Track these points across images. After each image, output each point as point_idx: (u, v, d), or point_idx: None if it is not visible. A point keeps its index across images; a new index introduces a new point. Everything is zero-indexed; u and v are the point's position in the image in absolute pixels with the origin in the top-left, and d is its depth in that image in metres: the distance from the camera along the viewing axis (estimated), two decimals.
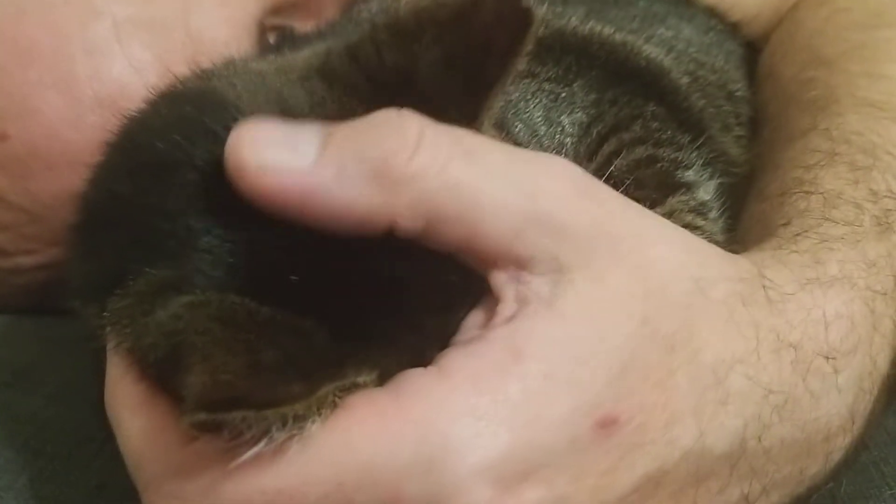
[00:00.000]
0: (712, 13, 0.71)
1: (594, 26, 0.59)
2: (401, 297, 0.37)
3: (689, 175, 0.54)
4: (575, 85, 0.55)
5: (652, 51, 0.59)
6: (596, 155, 0.53)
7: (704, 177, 0.54)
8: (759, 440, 0.39)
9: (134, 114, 0.43)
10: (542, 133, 0.53)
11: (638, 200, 0.47)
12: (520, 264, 0.37)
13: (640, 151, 0.53)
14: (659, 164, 0.52)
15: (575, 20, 0.59)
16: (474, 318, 0.38)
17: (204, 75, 0.44)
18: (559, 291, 0.37)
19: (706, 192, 0.54)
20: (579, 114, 0.54)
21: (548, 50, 0.56)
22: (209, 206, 0.37)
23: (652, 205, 0.50)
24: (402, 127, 0.36)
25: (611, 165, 0.52)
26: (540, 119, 0.53)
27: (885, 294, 0.44)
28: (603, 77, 0.56)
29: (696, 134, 0.56)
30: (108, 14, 0.55)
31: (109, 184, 0.42)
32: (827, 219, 0.46)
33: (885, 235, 0.46)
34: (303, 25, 0.62)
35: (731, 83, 0.66)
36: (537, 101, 0.53)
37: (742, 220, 0.54)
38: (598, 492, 0.36)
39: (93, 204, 0.42)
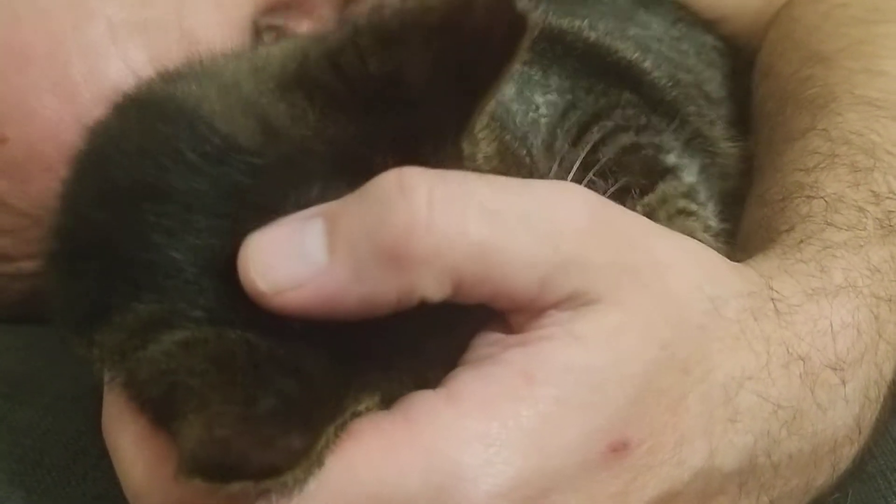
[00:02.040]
0: (679, 5, 0.70)
1: (570, 21, 0.59)
2: (400, 316, 0.35)
3: (672, 158, 0.54)
4: (549, 70, 0.55)
5: (627, 50, 0.59)
6: (579, 142, 0.53)
7: (686, 159, 0.54)
8: (769, 456, 0.39)
9: (101, 125, 0.41)
10: (514, 109, 0.52)
11: (628, 188, 0.46)
12: (546, 307, 0.36)
13: (624, 139, 0.52)
14: (643, 151, 0.52)
15: (550, 14, 0.59)
16: (486, 336, 0.37)
17: (172, 77, 0.41)
18: (578, 318, 0.36)
19: (690, 174, 0.54)
20: (553, 96, 0.54)
21: None
22: (190, 237, 0.36)
23: (642, 191, 0.51)
24: (408, 198, 0.34)
25: (597, 153, 0.51)
26: (512, 96, 0.53)
27: (890, 300, 0.43)
28: (577, 66, 0.56)
29: (672, 118, 0.56)
30: (103, 16, 0.55)
31: (84, 209, 0.40)
32: (829, 224, 0.46)
33: (889, 239, 0.46)
34: (297, 25, 0.62)
35: (706, 83, 0.66)
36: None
37: (743, 224, 0.54)
38: None
39: (68, 231, 0.41)
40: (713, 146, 0.59)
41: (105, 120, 0.41)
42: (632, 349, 0.36)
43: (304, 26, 0.62)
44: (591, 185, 0.49)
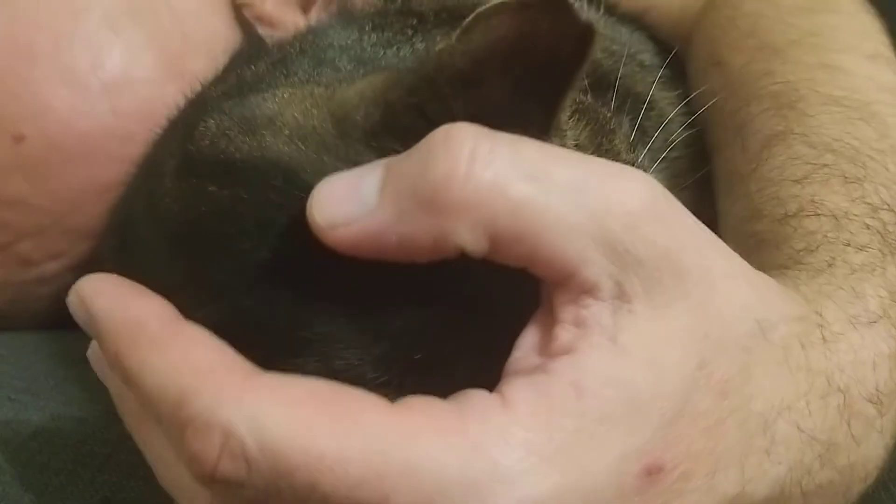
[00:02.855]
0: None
1: None
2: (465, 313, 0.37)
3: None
4: None
5: None
6: None
7: (621, 123, 0.55)
8: (801, 486, 0.38)
9: (200, 194, 0.40)
10: None
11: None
12: (583, 288, 0.35)
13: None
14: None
15: None
16: (530, 337, 0.37)
17: (253, 132, 0.41)
18: (621, 323, 0.35)
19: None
20: None
21: (463, 20, 0.57)
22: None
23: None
24: (452, 146, 0.34)
25: None
26: None
27: None
28: None
29: (606, 88, 0.56)
30: (98, 7, 0.57)
31: (232, 295, 0.39)
32: (847, 245, 0.45)
33: (894, 258, 0.45)
34: (262, 3, 0.64)
35: (639, 54, 0.66)
36: None
37: (729, 234, 0.53)
38: None
39: (222, 321, 0.39)
40: (647, 103, 0.60)
41: (200, 188, 0.40)
42: (669, 364, 0.36)
43: (268, 4, 0.63)
44: None
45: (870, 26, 0.60)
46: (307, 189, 0.37)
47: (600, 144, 0.48)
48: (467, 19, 0.36)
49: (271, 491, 0.33)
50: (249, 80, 0.50)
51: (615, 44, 0.64)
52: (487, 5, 0.36)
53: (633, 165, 0.49)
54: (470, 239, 0.34)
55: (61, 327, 0.61)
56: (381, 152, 0.38)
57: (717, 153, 0.60)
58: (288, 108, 0.41)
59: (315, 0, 0.65)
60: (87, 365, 0.56)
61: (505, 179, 0.34)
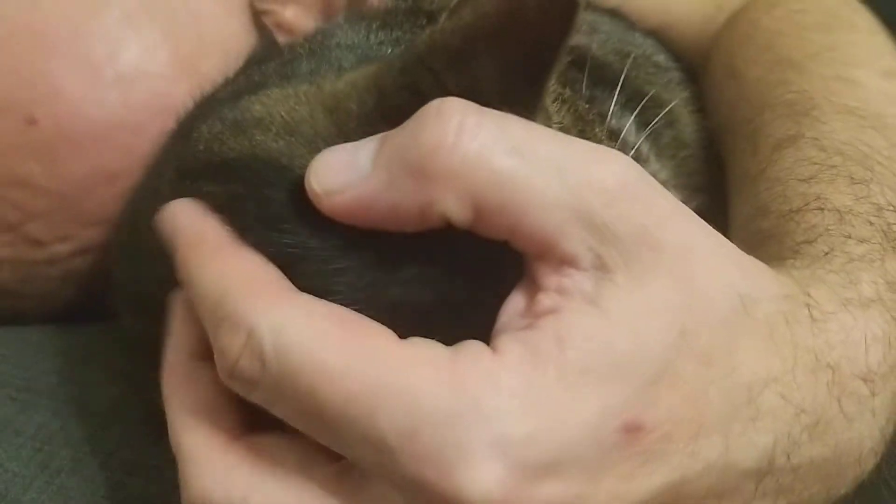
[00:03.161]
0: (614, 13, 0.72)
1: None
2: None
3: (613, 122, 0.55)
4: None
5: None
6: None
7: (624, 120, 0.56)
8: (788, 458, 0.39)
9: (199, 193, 0.42)
10: None
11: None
12: (563, 259, 0.37)
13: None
14: (595, 123, 0.53)
15: None
16: (514, 303, 0.38)
17: (247, 129, 0.42)
18: (602, 289, 0.37)
19: (630, 133, 0.55)
20: None
21: None
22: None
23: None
24: (441, 118, 0.36)
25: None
26: None
27: None
28: None
29: (613, 84, 0.57)
30: (116, 3, 0.59)
31: None
32: (848, 237, 0.46)
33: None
34: (282, 9, 0.65)
35: (654, 55, 0.67)
36: None
37: (737, 232, 0.54)
38: (614, 496, 0.36)
39: None
40: (656, 101, 0.61)
41: (196, 189, 0.42)
42: (651, 331, 0.37)
43: (289, 11, 0.65)
44: None
45: (885, 45, 0.62)
46: (300, 179, 0.38)
47: (582, 131, 0.49)
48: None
49: (278, 392, 0.36)
50: (253, 83, 0.50)
51: (629, 45, 0.65)
52: None
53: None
54: (455, 208, 0.36)
55: (66, 319, 0.61)
56: None
57: (729, 159, 0.61)
58: (275, 106, 0.43)
59: (336, 8, 0.65)
60: (89, 364, 0.57)
61: (490, 151, 0.36)
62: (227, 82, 0.56)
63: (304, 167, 0.39)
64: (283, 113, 0.42)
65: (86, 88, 0.57)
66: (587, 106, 0.53)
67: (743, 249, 0.50)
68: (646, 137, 0.57)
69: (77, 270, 0.61)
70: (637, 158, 0.52)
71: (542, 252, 0.37)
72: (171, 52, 0.59)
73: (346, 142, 0.39)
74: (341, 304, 0.37)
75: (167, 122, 0.57)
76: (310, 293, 0.38)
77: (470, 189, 0.36)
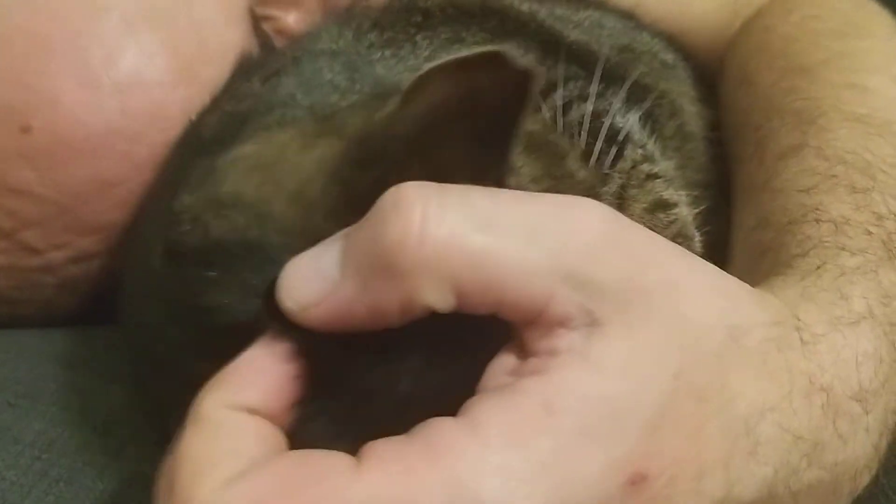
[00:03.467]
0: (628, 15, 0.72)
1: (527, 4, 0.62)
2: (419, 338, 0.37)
3: (619, 121, 0.55)
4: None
5: (574, 32, 0.62)
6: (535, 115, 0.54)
7: (630, 116, 0.56)
8: (788, 486, 0.39)
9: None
10: None
11: (594, 153, 0.49)
12: (554, 321, 0.36)
13: (576, 112, 0.54)
14: (599, 120, 0.53)
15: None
16: (502, 362, 0.37)
17: (226, 208, 0.42)
18: (593, 343, 0.36)
19: (635, 132, 0.55)
20: None
21: (471, 16, 0.58)
22: None
23: (611, 159, 0.52)
24: (402, 209, 0.35)
25: (560, 121, 0.53)
26: None
27: None
28: (529, 41, 0.58)
29: (615, 79, 0.57)
30: (116, 9, 0.58)
31: None
32: (842, 248, 0.45)
33: (894, 262, 0.45)
34: (285, 15, 0.65)
35: (661, 53, 0.67)
36: None
37: (739, 244, 0.54)
38: None
39: None
40: (667, 99, 0.61)
41: (186, 273, 0.42)
42: (646, 376, 0.36)
43: (291, 17, 0.65)
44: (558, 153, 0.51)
45: None
46: (278, 269, 0.37)
47: (552, 173, 0.48)
48: (409, 83, 0.37)
49: None
50: (231, 119, 0.50)
51: (635, 42, 0.65)
52: (425, 69, 0.37)
53: (590, 180, 0.50)
54: (435, 297, 0.35)
55: (65, 323, 0.61)
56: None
57: (737, 167, 0.60)
58: (244, 183, 0.42)
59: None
60: (88, 370, 0.57)
61: (461, 233, 0.35)
62: (216, 101, 0.56)
63: (279, 255, 0.38)
64: (252, 193, 0.41)
65: (82, 96, 0.56)
66: (560, 136, 0.52)
67: (744, 263, 0.51)
68: (650, 132, 0.57)
69: (74, 278, 0.60)
70: (644, 156, 0.53)
71: (532, 319, 0.36)
72: (170, 60, 0.59)
73: (314, 237, 0.38)
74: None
75: (165, 130, 0.57)
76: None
77: (447, 276, 0.35)
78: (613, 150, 0.52)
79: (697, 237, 0.53)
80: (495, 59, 0.36)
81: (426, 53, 0.55)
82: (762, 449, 0.38)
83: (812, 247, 0.46)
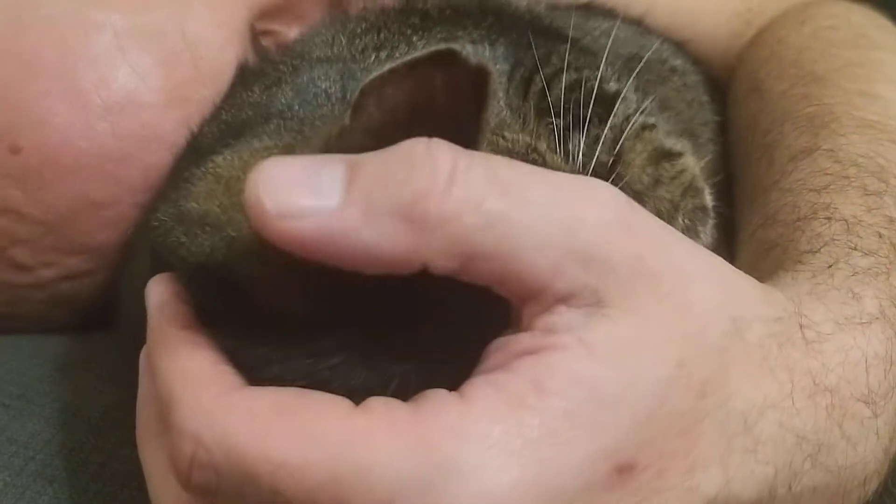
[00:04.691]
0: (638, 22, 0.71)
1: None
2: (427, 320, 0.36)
3: (613, 85, 0.54)
4: (496, 42, 0.56)
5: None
6: (528, 95, 0.53)
7: (623, 82, 0.55)
8: (790, 488, 0.38)
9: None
10: None
11: (587, 119, 0.49)
12: (558, 299, 0.35)
13: (567, 78, 0.53)
14: (588, 84, 0.53)
15: None
16: (498, 343, 0.36)
17: (194, 226, 0.41)
18: (593, 325, 0.35)
19: (630, 91, 0.54)
20: (501, 64, 0.55)
21: (467, 15, 0.58)
22: None
23: (600, 119, 0.51)
24: (432, 162, 0.34)
25: (546, 99, 0.52)
26: None
27: None
28: (521, 32, 0.58)
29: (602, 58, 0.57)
30: (109, 25, 0.57)
31: None
32: (854, 248, 0.45)
33: None
34: (288, 30, 0.64)
35: (671, 59, 0.67)
36: None
37: (745, 241, 0.53)
38: None
39: None
40: (664, 68, 0.61)
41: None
42: (645, 365, 0.35)
43: (293, 32, 0.63)
44: (551, 128, 0.50)
45: None
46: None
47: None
48: (356, 95, 0.36)
49: (241, 497, 0.35)
50: (228, 129, 0.50)
51: (644, 50, 0.64)
52: (373, 76, 0.35)
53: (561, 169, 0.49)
54: (441, 255, 0.34)
55: (57, 332, 0.61)
56: None
57: (743, 171, 0.60)
58: (211, 200, 0.41)
59: None
60: (83, 371, 0.56)
61: (481, 195, 0.34)
62: (215, 114, 0.55)
63: (248, 283, 0.37)
64: (216, 212, 0.40)
65: (73, 117, 0.56)
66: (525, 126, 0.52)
67: (749, 260, 0.50)
68: (636, 93, 0.56)
69: (65, 294, 0.60)
70: (637, 109, 0.52)
71: (533, 294, 0.35)
72: (164, 80, 0.57)
73: (276, 263, 0.36)
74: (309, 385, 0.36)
75: (156, 152, 0.56)
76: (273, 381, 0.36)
77: (460, 235, 0.34)
78: (602, 111, 0.52)
79: (708, 190, 0.52)
80: (447, 58, 0.35)
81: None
82: (762, 448, 0.37)
83: (823, 244, 0.45)
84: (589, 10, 0.69)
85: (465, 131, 0.36)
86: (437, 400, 0.35)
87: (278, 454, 0.34)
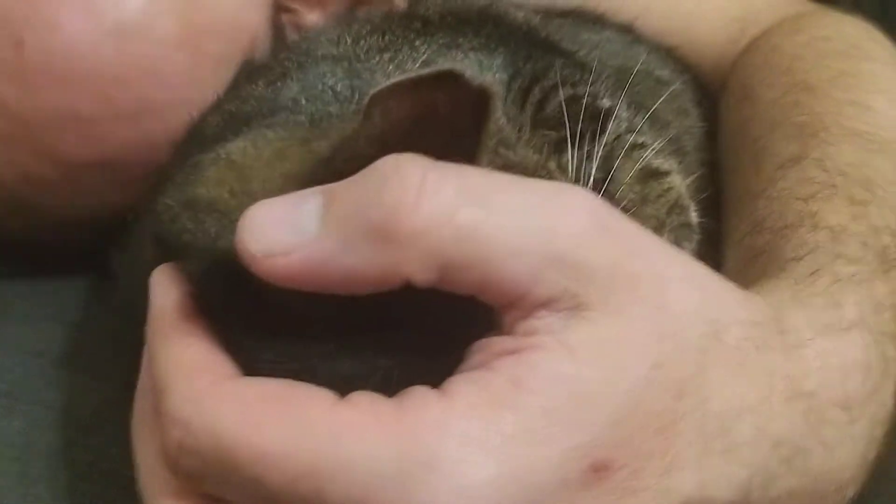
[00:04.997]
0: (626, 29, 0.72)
1: (509, 9, 0.64)
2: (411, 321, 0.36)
3: (606, 102, 0.55)
4: (495, 52, 0.57)
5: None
6: (525, 105, 0.54)
7: (616, 99, 0.56)
8: (765, 490, 0.38)
9: None
10: None
11: (579, 135, 0.50)
12: (538, 305, 0.36)
13: (563, 93, 0.54)
14: (583, 100, 0.54)
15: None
16: (482, 344, 0.37)
17: (200, 212, 0.41)
18: (573, 327, 0.35)
19: (623, 109, 0.55)
20: (500, 73, 0.56)
21: (467, 22, 0.59)
22: None
23: (593, 135, 0.52)
24: (401, 177, 0.34)
25: (544, 111, 0.53)
26: None
27: (892, 336, 0.43)
28: (519, 43, 0.59)
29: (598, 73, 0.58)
30: None
31: None
32: (838, 256, 0.45)
33: (890, 274, 0.45)
34: (309, 12, 0.64)
35: (657, 70, 0.68)
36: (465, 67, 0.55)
37: (731, 249, 0.54)
38: None
39: None
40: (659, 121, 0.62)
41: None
42: (623, 364, 0.36)
43: (312, 16, 0.64)
44: (545, 139, 0.52)
45: None
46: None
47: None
48: (366, 101, 0.36)
49: (226, 483, 0.36)
50: (233, 119, 0.50)
51: (631, 62, 0.65)
52: (380, 86, 0.36)
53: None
54: (420, 268, 0.34)
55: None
56: None
57: (731, 177, 0.60)
58: (220, 188, 0.42)
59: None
60: (71, 369, 0.55)
61: (454, 206, 0.35)
62: (217, 105, 0.55)
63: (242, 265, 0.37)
64: (225, 199, 0.41)
65: (83, 28, 0.56)
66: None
67: (736, 267, 0.50)
68: (628, 110, 0.57)
69: (23, 199, 0.60)
70: (628, 128, 0.53)
71: (514, 301, 0.36)
72: (180, 22, 0.58)
73: None
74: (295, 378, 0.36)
75: (155, 88, 0.57)
76: (264, 372, 0.37)
77: (435, 248, 0.34)
78: (595, 127, 0.53)
79: (693, 207, 0.53)
80: (450, 78, 0.35)
81: (424, 57, 0.55)
82: (738, 451, 0.37)
83: (808, 252, 0.46)
84: (580, 20, 0.70)
85: (466, 147, 0.37)
86: (420, 396, 0.35)
87: (261, 443, 0.34)
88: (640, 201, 0.51)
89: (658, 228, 0.51)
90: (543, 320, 0.36)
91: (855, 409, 0.40)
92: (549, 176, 0.47)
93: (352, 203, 0.35)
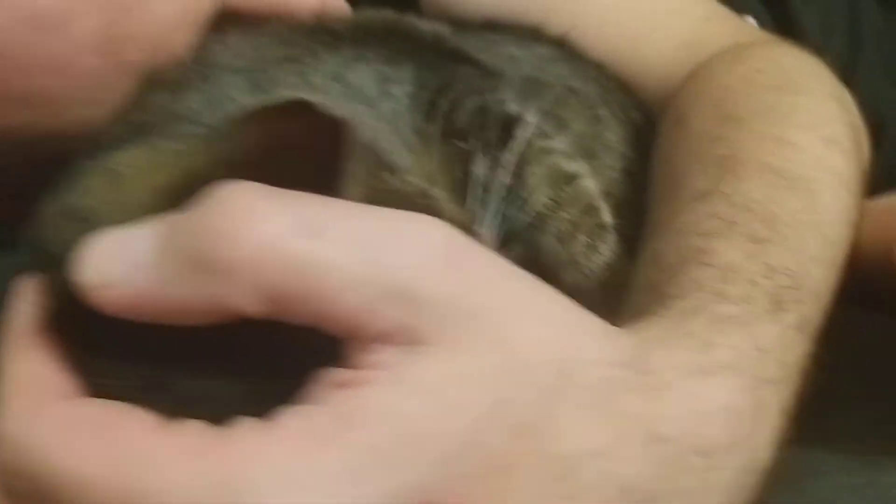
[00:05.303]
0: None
1: (418, 23, 0.64)
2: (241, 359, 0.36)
3: (514, 108, 0.55)
4: (402, 65, 0.57)
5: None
6: (431, 117, 0.54)
7: (523, 104, 0.56)
8: None
9: None
10: (378, 106, 0.54)
11: (488, 143, 0.49)
12: (374, 338, 0.35)
13: (471, 103, 0.54)
14: (493, 109, 0.54)
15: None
16: (325, 376, 0.36)
17: (76, 221, 0.41)
18: (407, 360, 0.35)
19: (531, 115, 0.55)
20: (407, 86, 0.56)
21: (374, 35, 0.59)
22: None
23: (502, 143, 0.51)
24: (229, 206, 0.34)
25: (454, 122, 0.53)
26: (374, 95, 0.54)
27: (774, 382, 0.42)
28: (425, 54, 0.59)
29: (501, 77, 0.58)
30: None
31: None
32: (720, 296, 0.44)
33: (778, 316, 0.44)
34: None
35: (573, 81, 0.67)
36: (370, 80, 0.55)
37: (634, 280, 0.52)
38: None
39: None
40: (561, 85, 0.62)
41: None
42: (458, 401, 0.35)
43: None
44: (457, 151, 0.51)
45: (835, 113, 0.60)
46: None
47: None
48: (227, 125, 0.36)
49: None
50: (130, 128, 0.50)
51: (545, 73, 0.65)
52: (237, 113, 0.36)
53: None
54: (246, 301, 0.34)
55: None
56: None
57: (651, 205, 0.59)
58: (97, 196, 0.41)
59: None
60: None
61: (284, 237, 0.34)
62: (119, 116, 0.54)
63: None
64: (102, 209, 0.40)
65: None
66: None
67: (631, 300, 0.49)
68: (537, 115, 0.56)
69: None
70: (537, 134, 0.53)
71: (352, 332, 0.35)
72: (102, 25, 0.56)
73: None
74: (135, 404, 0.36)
75: (58, 82, 0.55)
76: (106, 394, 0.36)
77: (263, 280, 0.33)
78: (504, 135, 0.52)
79: (606, 208, 0.53)
80: (302, 109, 0.35)
81: (331, 70, 0.55)
82: (583, 496, 0.36)
83: (692, 290, 0.44)
84: (510, 35, 0.68)
85: (328, 177, 0.36)
86: (245, 427, 0.34)
87: (80, 467, 0.34)
88: (553, 205, 0.51)
89: (572, 230, 0.51)
90: (379, 354, 0.35)
91: (716, 457, 0.39)
92: (431, 203, 0.46)
93: (184, 233, 0.34)
